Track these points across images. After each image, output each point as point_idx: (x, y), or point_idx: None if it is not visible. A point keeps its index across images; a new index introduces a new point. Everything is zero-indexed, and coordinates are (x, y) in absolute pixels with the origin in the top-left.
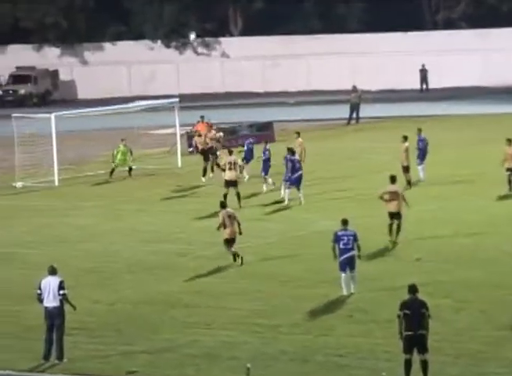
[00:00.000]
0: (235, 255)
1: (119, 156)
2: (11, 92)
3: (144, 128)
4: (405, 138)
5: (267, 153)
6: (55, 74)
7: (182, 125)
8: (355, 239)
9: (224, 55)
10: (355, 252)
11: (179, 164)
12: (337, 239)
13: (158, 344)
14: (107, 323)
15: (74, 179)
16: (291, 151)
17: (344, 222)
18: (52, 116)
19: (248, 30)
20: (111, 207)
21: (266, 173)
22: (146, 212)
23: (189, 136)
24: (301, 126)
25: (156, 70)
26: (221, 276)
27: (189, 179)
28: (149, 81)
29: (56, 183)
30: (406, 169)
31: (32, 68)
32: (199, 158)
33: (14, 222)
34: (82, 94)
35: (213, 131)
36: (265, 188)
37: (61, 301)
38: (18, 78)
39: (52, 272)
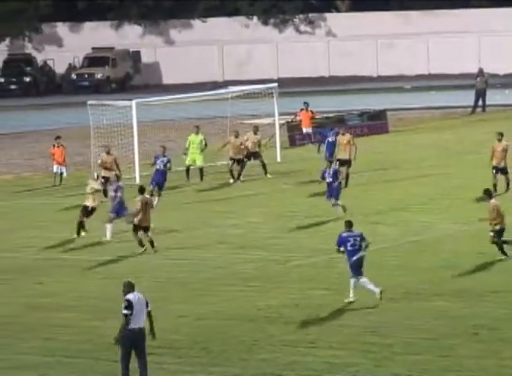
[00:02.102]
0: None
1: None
2: (86, 76)
3: (238, 117)
4: (501, 135)
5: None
6: (136, 55)
7: (281, 114)
8: (362, 239)
9: (330, 33)
10: (364, 253)
11: (278, 159)
12: (342, 241)
13: (253, 365)
14: (195, 342)
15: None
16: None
17: (349, 224)
18: (133, 103)
19: (357, 5)
20: (198, 208)
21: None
22: (235, 214)
23: (290, 127)
24: (419, 115)
25: (252, 50)
26: (326, 288)
27: (289, 176)
28: (244, 64)
29: (137, 181)
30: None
31: (110, 49)
32: (302, 152)
33: (91, 226)
34: (167, 78)
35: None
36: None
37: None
38: (94, 60)
39: (133, 287)
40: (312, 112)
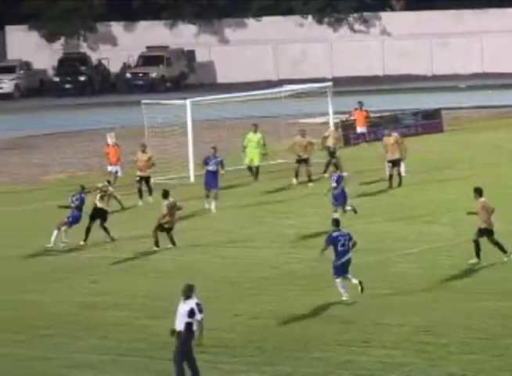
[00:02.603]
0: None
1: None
2: (141, 75)
3: (292, 116)
4: None
5: None
6: (190, 54)
7: (335, 113)
8: (350, 238)
9: (384, 32)
10: (351, 254)
11: None
12: (333, 241)
13: (307, 363)
14: (249, 341)
15: None
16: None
17: (337, 223)
18: (188, 102)
19: (412, 4)
20: (253, 208)
21: None
22: (291, 214)
23: (344, 126)
24: (473, 114)
25: (307, 49)
26: (380, 287)
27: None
28: (299, 63)
29: (192, 180)
30: None
31: (165, 48)
32: (356, 151)
33: (142, 225)
34: (221, 77)
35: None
36: None
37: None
38: (149, 59)
39: (193, 290)
40: (367, 111)
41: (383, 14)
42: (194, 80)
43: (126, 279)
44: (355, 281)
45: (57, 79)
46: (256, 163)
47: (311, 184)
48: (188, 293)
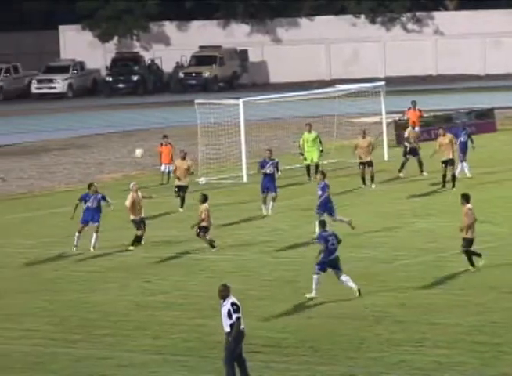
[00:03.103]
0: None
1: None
2: (194, 74)
3: (345, 115)
4: None
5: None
6: (243, 54)
7: (388, 113)
8: (336, 237)
9: (437, 32)
10: (338, 253)
11: (385, 157)
12: (324, 240)
13: (361, 363)
14: (302, 340)
15: None
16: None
17: (323, 224)
18: (241, 102)
19: (465, 4)
20: (306, 207)
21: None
22: (343, 213)
23: (397, 125)
24: None
25: (359, 49)
26: (433, 287)
27: (397, 174)
28: (351, 63)
29: (245, 179)
30: None
31: (217, 48)
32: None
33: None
34: (274, 77)
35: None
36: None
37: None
38: (202, 59)
39: (229, 290)
40: (420, 111)
41: (436, 13)
42: (247, 80)
43: (179, 278)
44: (351, 285)
45: (110, 79)
46: (315, 160)
47: (373, 186)
48: (223, 293)
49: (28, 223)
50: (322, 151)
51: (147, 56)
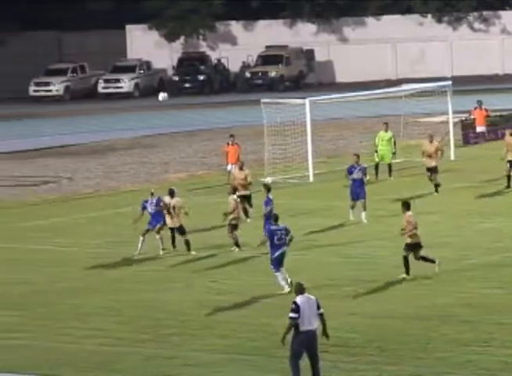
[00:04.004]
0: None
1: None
2: (260, 74)
3: (411, 115)
4: None
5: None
6: (309, 53)
7: (455, 112)
8: (287, 232)
9: (504, 31)
10: (286, 247)
11: (452, 157)
12: (270, 233)
13: (428, 363)
14: (369, 340)
15: (331, 174)
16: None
17: (276, 218)
18: (307, 101)
19: None
20: (373, 206)
21: None
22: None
23: (464, 125)
24: None
25: (426, 48)
26: (501, 287)
27: (464, 175)
28: (418, 62)
29: (311, 179)
30: None
31: (284, 47)
32: (475, 150)
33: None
34: (340, 76)
35: None
36: None
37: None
38: (268, 59)
39: (302, 290)
40: (486, 110)
41: (502, 13)
42: (313, 79)
43: (245, 278)
44: (283, 284)
45: (176, 78)
46: (387, 161)
47: (436, 193)
48: (300, 291)
49: (94, 223)
50: (394, 153)
51: (213, 56)
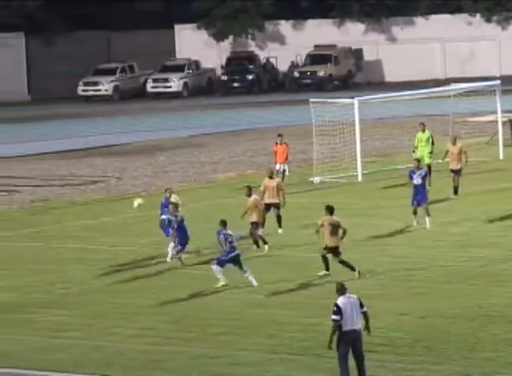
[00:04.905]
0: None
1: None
2: (308, 73)
3: (460, 114)
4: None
5: None
6: (358, 53)
7: (504, 111)
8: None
9: None
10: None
11: (501, 156)
12: (225, 238)
13: (476, 363)
14: (417, 340)
15: (380, 174)
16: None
17: (224, 223)
18: (355, 101)
19: None
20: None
21: None
22: (455, 213)
23: None
24: None
25: (475, 48)
26: None
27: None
28: (467, 61)
29: (360, 179)
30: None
31: (332, 47)
32: None
33: (310, 222)
34: (389, 76)
35: None
36: None
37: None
38: (316, 58)
39: (343, 291)
40: None
41: None
42: (361, 78)
43: (291, 277)
44: (251, 279)
45: (225, 78)
46: (427, 161)
47: (453, 196)
48: (341, 291)
49: (142, 222)
50: (431, 153)
51: (262, 55)
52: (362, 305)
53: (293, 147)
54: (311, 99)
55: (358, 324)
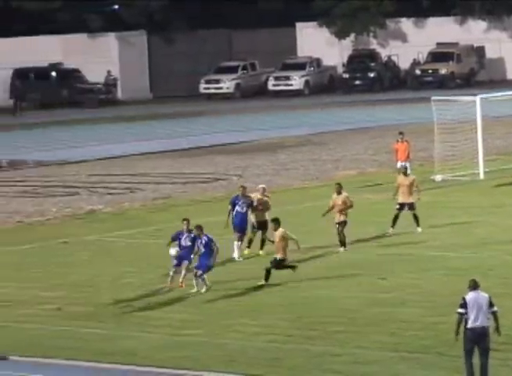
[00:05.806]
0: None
1: None
2: (430, 71)
3: None
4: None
5: None
6: (480, 50)
7: None
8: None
9: None
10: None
11: None
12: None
13: None
14: None
15: (502, 172)
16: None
17: (199, 228)
18: (478, 99)
19: None
20: None
21: None
22: None
23: None
24: None
25: None
26: None
27: None
28: None
29: (481, 176)
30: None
31: (454, 44)
32: None
33: (435, 222)
34: None
35: None
36: None
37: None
38: (438, 56)
39: (475, 286)
40: None
41: None
42: (484, 76)
43: (413, 276)
44: (195, 283)
45: (347, 76)
46: None
47: None
48: (472, 287)
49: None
50: None
51: (384, 53)
52: (492, 305)
53: (414, 145)
54: (433, 97)
55: (484, 322)
